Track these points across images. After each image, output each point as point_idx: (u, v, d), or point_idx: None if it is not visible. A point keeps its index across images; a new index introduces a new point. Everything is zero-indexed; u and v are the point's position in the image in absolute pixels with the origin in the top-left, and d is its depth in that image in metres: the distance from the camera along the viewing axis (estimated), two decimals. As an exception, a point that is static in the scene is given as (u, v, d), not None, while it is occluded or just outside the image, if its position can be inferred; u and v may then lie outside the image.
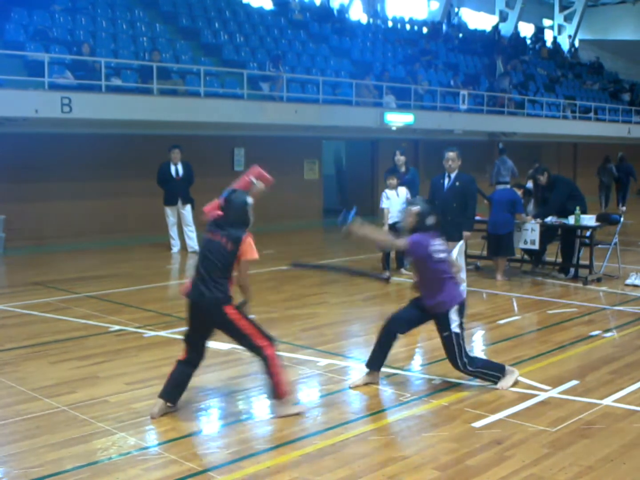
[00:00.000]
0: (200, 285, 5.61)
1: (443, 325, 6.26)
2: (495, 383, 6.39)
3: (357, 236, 6.33)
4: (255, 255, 5.63)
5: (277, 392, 5.70)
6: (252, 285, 5.82)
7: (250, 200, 5.76)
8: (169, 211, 14.71)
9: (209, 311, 5.62)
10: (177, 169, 14.49)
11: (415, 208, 6.33)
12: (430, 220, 6.31)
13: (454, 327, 6.22)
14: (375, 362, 6.49)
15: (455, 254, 9.98)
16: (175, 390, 5.75)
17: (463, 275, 10.31)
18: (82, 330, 8.40)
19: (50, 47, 16.05)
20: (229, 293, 5.63)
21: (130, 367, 7.00)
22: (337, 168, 24.19)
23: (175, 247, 14.81)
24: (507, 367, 6.50)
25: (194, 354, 5.79)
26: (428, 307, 6.31)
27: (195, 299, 5.65)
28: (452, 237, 9.99)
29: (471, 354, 6.47)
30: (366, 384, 6.45)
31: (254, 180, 6.07)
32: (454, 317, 6.23)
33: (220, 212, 5.76)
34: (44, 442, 5.18)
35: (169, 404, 5.75)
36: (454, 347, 6.23)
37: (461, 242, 9.91)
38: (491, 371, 6.39)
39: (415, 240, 6.25)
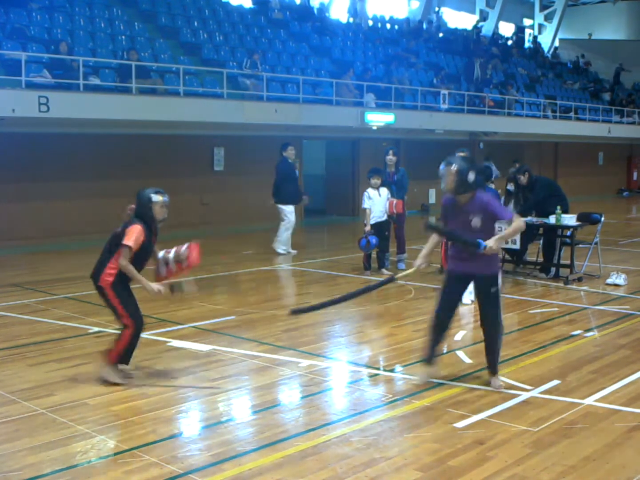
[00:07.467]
0: (96, 262, 6.47)
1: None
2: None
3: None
4: (128, 242, 6.17)
5: (109, 357, 6.44)
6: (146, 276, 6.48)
7: (156, 198, 6.30)
8: (293, 210, 13.95)
9: (93, 282, 6.44)
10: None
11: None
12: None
13: None
14: None
15: None
16: None
17: None
18: (60, 332, 8.32)
19: (28, 46, 15.88)
20: (109, 270, 6.32)
21: (109, 369, 6.92)
22: None
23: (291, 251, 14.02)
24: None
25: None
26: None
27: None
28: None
29: None
30: None
31: (183, 250, 6.61)
32: None
33: (133, 206, 6.41)
34: (23, 446, 5.11)
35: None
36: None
37: None
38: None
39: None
